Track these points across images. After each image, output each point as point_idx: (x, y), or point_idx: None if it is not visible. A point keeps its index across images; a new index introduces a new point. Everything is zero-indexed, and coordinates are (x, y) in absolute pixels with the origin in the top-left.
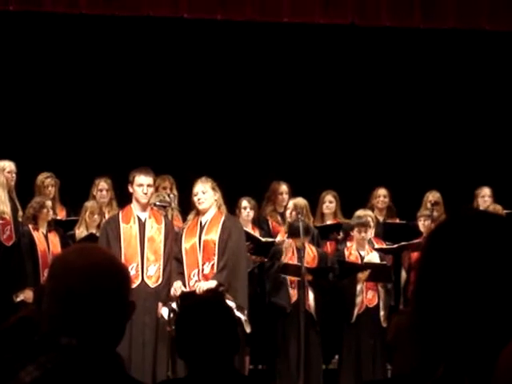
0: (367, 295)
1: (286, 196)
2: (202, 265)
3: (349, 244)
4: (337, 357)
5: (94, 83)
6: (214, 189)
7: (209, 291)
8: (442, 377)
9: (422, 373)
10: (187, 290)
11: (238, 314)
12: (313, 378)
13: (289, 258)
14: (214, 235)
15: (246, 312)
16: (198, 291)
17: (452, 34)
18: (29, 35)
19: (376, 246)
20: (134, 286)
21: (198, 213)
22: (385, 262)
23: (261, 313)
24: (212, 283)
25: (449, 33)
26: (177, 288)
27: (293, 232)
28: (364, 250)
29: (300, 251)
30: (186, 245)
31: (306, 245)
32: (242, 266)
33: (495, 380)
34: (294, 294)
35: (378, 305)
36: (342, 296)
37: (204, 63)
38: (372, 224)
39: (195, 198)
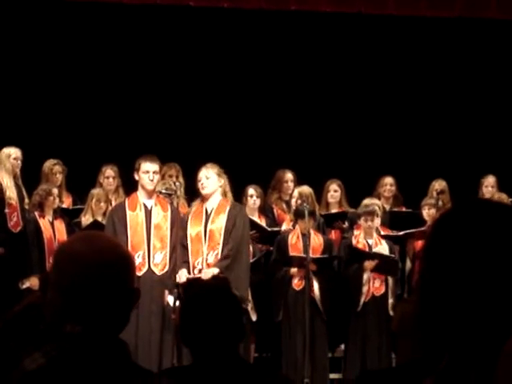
0: (374, 284)
1: (291, 184)
2: (207, 254)
3: (356, 232)
4: (342, 345)
5: (101, 71)
6: (219, 175)
7: (214, 277)
8: (446, 367)
9: (426, 363)
10: (191, 276)
11: None
12: (318, 367)
13: (294, 245)
14: (219, 224)
15: (247, 302)
16: (203, 277)
17: (458, 22)
18: (37, 22)
19: (382, 233)
20: (140, 273)
21: (203, 199)
22: (393, 256)
23: (266, 301)
24: (215, 270)
25: (455, 21)
26: (181, 275)
27: (298, 214)
28: (372, 238)
29: (305, 238)
30: (191, 231)
31: (312, 232)
32: (244, 255)
33: (500, 370)
34: (297, 284)
35: (384, 294)
36: (349, 284)
37: (210, 52)
38: (379, 212)
39: (199, 183)
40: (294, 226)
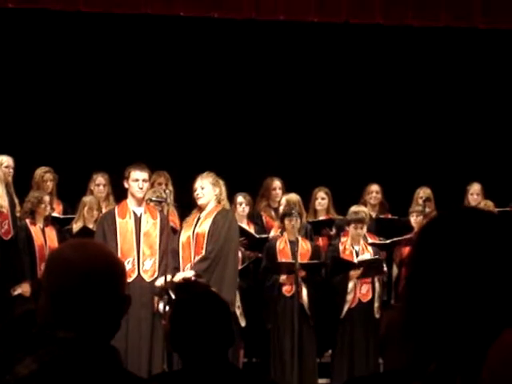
0: (361, 290)
1: (279, 191)
2: (193, 258)
3: (343, 239)
4: (330, 351)
5: (91, 80)
6: (214, 184)
7: (185, 280)
8: (434, 373)
9: (413, 368)
10: (168, 280)
11: None
12: (307, 372)
13: (282, 250)
14: (204, 228)
15: (234, 306)
16: (175, 280)
17: (444, 32)
18: (27, 32)
19: (369, 241)
20: (130, 280)
21: (200, 208)
22: (377, 256)
23: (255, 307)
24: (189, 273)
25: (441, 31)
26: (161, 280)
27: (286, 214)
28: (359, 245)
29: (293, 244)
30: (182, 238)
31: (300, 238)
32: (231, 259)
33: (485, 375)
34: (288, 290)
35: (371, 300)
36: (334, 292)
37: (200, 61)
38: (367, 220)
39: (194, 194)
40: (282, 233)
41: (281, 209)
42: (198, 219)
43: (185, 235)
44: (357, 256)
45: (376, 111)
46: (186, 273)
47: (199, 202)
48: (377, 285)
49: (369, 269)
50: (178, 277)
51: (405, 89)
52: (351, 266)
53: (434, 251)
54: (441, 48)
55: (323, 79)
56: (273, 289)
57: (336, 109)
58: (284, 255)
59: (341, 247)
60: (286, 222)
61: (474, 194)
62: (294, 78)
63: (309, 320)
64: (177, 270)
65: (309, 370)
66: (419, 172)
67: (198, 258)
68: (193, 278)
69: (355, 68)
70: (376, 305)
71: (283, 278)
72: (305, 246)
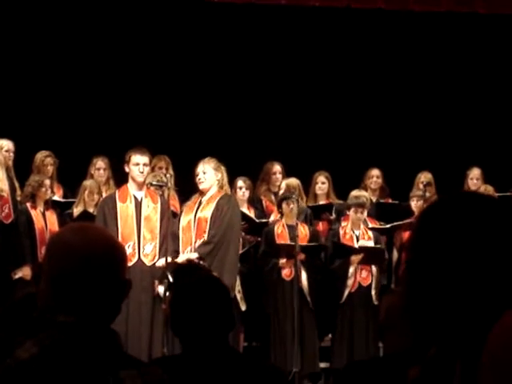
0: (361, 274)
1: (279, 176)
2: (195, 242)
3: (343, 224)
4: (330, 335)
5: (92, 63)
6: (216, 169)
7: (189, 261)
8: (434, 357)
9: (413, 352)
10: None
11: None
12: (308, 356)
13: (280, 234)
14: (207, 212)
15: (234, 290)
16: (179, 261)
17: (446, 17)
18: (29, 15)
19: (370, 226)
20: (130, 264)
21: (201, 193)
22: (379, 246)
23: (255, 291)
24: (192, 254)
25: (443, 16)
26: (162, 261)
27: (284, 198)
28: (359, 229)
29: (292, 227)
30: (183, 222)
31: (298, 223)
32: (233, 243)
33: (485, 359)
34: (287, 273)
35: (371, 283)
36: (334, 277)
37: (201, 45)
38: (368, 204)
39: (196, 178)
40: (281, 218)
41: (280, 193)
42: (200, 204)
43: (185, 219)
44: (357, 240)
45: (377, 96)
46: (190, 254)
47: (201, 187)
48: (374, 270)
49: (370, 256)
50: (182, 258)
51: (406, 74)
52: (352, 251)
53: (434, 235)
54: (443, 33)
55: (324, 64)
56: (272, 273)
57: (337, 93)
58: (282, 239)
59: (341, 231)
60: (284, 206)
61: (474, 179)
62: (295, 62)
63: (308, 304)
64: (177, 253)
65: (310, 353)
66: (420, 157)
67: (200, 241)
68: (196, 261)
69: (356, 53)
70: (374, 292)
71: (282, 261)
72: (303, 231)
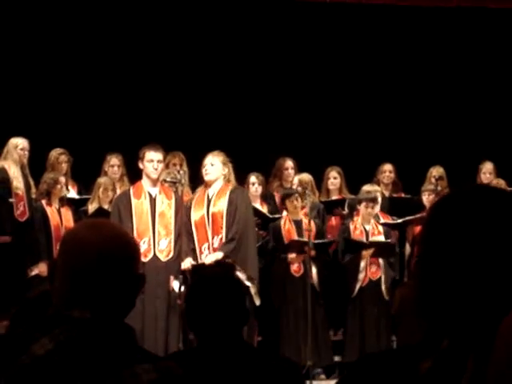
0: (371, 268)
1: (291, 171)
2: (212, 238)
3: (355, 218)
4: (342, 329)
5: (106, 61)
6: (224, 163)
7: (217, 262)
8: (446, 349)
9: (426, 345)
10: (196, 262)
11: (248, 283)
12: (322, 349)
13: (287, 230)
14: (221, 207)
15: (256, 282)
16: (206, 263)
17: (456, 12)
18: (41, 13)
19: (382, 221)
20: (146, 259)
21: (206, 185)
22: (389, 240)
23: (268, 286)
24: (219, 254)
25: (453, 11)
26: (186, 262)
27: (285, 195)
28: (369, 224)
29: (298, 223)
30: (194, 217)
31: (303, 217)
32: (251, 236)
33: (496, 350)
34: (296, 269)
35: (381, 277)
36: (346, 271)
37: (212, 41)
38: (379, 199)
39: (203, 169)
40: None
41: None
42: (208, 198)
43: (197, 214)
44: (367, 235)
45: (389, 91)
46: (216, 254)
47: (206, 178)
48: (382, 265)
49: (381, 250)
50: (209, 259)
51: (418, 68)
52: (362, 246)
53: (446, 228)
54: (453, 28)
55: (337, 59)
56: (281, 268)
57: (349, 88)
58: (290, 235)
59: (351, 226)
60: (287, 203)
61: (487, 173)
62: (307, 56)
63: (318, 299)
64: (193, 251)
65: (323, 347)
66: (432, 151)
67: (217, 237)
68: (227, 260)
69: (368, 47)
70: (384, 287)
71: (291, 256)
72: (309, 226)
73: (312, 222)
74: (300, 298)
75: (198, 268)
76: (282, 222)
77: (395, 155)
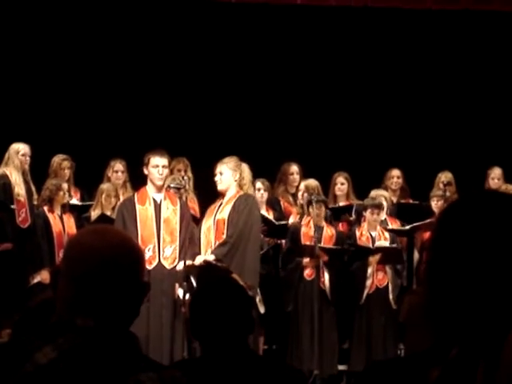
0: (377, 276)
1: (296, 176)
2: (214, 244)
3: (362, 225)
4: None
5: (109, 66)
6: (234, 170)
7: (209, 264)
8: (456, 358)
9: (435, 353)
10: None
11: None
12: (326, 358)
13: (306, 234)
14: (225, 214)
15: (256, 290)
16: (196, 264)
17: (464, 15)
18: (44, 18)
19: (389, 227)
20: (151, 267)
21: (223, 195)
22: (395, 245)
23: (275, 293)
24: (209, 256)
25: (460, 14)
26: (181, 265)
27: (309, 202)
28: (375, 231)
29: (319, 228)
30: (204, 226)
31: (325, 224)
32: (251, 243)
33: (505, 358)
34: (309, 273)
35: (388, 284)
36: (354, 278)
37: (218, 46)
38: (385, 206)
39: (215, 180)
40: (300, 219)
41: (299, 194)
42: (219, 206)
43: (207, 223)
44: (373, 242)
45: (397, 95)
46: (207, 256)
47: (218, 188)
48: (389, 273)
49: (388, 256)
50: (199, 259)
51: (425, 73)
52: (369, 251)
53: (454, 234)
54: (460, 31)
55: (342, 63)
56: (295, 272)
57: (356, 93)
58: (308, 240)
59: (357, 233)
60: (311, 210)
61: (495, 179)
62: (313, 62)
63: (330, 305)
64: (196, 255)
65: (328, 355)
66: (440, 156)
67: (217, 242)
68: (213, 263)
69: (375, 52)
70: (391, 296)
71: (306, 260)
72: (329, 232)
73: (333, 229)
74: (310, 303)
75: (191, 269)
76: (303, 227)
77: (403, 160)
